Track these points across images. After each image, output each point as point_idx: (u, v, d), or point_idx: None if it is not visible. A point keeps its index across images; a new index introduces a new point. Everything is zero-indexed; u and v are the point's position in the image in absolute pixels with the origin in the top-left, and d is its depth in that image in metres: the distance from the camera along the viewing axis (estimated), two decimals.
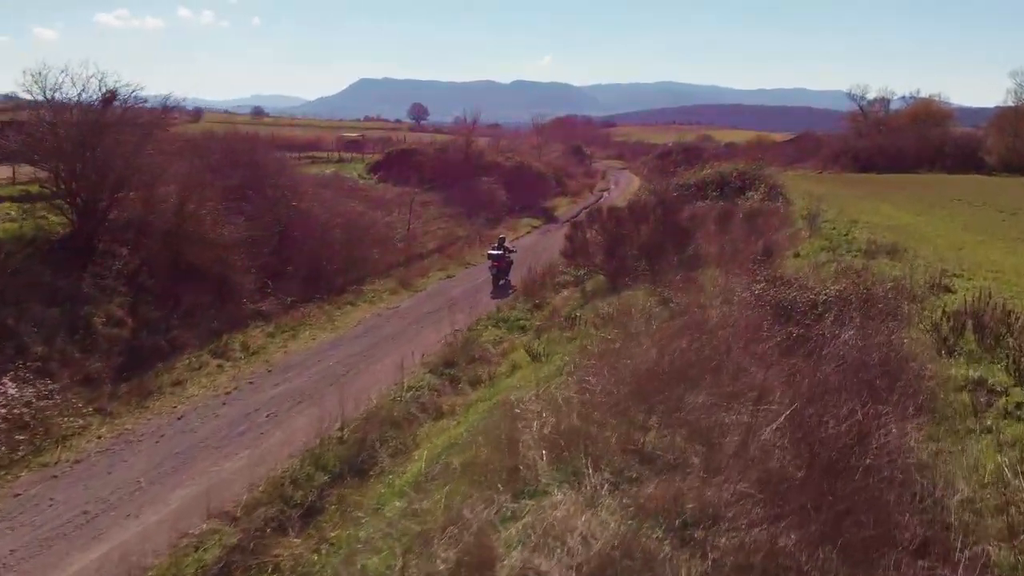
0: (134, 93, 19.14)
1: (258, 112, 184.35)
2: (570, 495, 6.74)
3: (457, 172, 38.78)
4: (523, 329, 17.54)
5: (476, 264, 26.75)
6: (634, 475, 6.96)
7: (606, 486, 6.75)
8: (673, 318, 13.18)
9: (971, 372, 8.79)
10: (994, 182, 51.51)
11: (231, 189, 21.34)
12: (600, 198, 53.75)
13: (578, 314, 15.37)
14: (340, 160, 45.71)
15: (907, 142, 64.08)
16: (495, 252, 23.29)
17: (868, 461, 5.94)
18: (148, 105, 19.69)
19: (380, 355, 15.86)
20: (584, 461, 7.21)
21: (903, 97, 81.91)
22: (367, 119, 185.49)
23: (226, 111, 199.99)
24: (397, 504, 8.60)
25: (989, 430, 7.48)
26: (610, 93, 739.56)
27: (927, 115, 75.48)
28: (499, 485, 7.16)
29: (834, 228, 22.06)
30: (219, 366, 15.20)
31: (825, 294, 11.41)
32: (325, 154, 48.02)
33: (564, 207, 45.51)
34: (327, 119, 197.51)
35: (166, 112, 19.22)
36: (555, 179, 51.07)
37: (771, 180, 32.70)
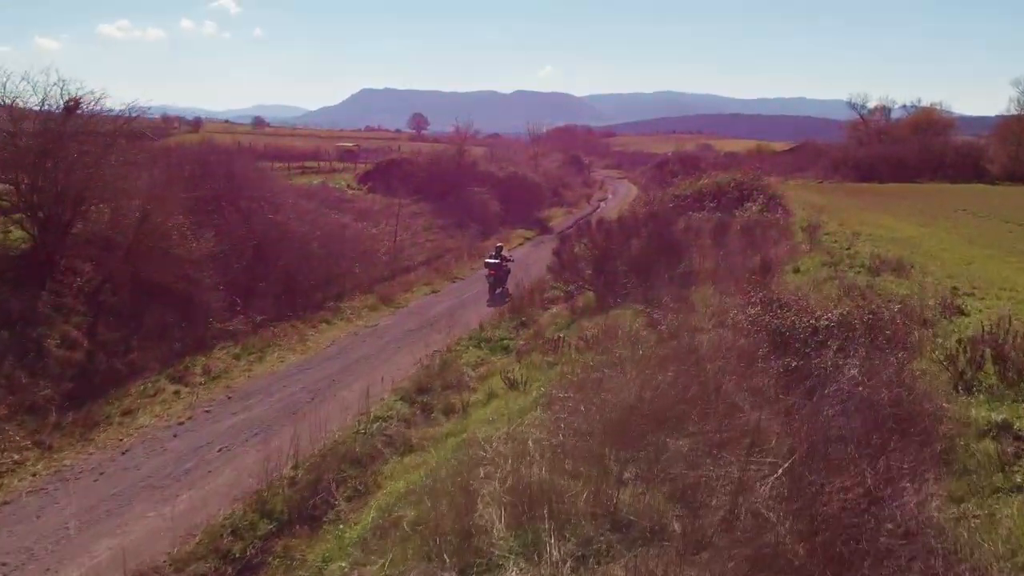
0: (99, 101, 18.17)
1: (259, 122, 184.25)
2: (527, 572, 5.68)
3: (449, 182, 37.80)
4: (506, 350, 16.46)
5: (464, 278, 25.70)
6: (603, 546, 5.88)
7: (569, 561, 5.68)
8: (661, 342, 12.11)
9: (994, 414, 7.69)
10: (998, 192, 50.49)
11: (203, 201, 20.32)
12: (597, 208, 52.78)
13: (562, 335, 14.29)
14: (332, 170, 44.80)
15: (908, 151, 63.12)
16: (492, 260, 23.19)
17: (882, 541, 4.88)
18: (120, 113, 18.68)
19: (350, 379, 14.78)
20: (547, 527, 6.13)
21: (904, 106, 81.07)
22: (368, 129, 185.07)
23: (227, 121, 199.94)
24: (340, 566, 7.52)
25: (1020, 488, 6.40)
26: (610, 103, 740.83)
27: (928, 124, 74.57)
28: (446, 556, 6.09)
29: (835, 241, 21.00)
30: (176, 392, 14.11)
31: (826, 319, 10.33)
32: (316, 164, 47.11)
33: (559, 218, 44.51)
34: (328, 129, 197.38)
35: (130, 120, 18.19)
36: (551, 189, 50.13)
37: (770, 190, 31.68)
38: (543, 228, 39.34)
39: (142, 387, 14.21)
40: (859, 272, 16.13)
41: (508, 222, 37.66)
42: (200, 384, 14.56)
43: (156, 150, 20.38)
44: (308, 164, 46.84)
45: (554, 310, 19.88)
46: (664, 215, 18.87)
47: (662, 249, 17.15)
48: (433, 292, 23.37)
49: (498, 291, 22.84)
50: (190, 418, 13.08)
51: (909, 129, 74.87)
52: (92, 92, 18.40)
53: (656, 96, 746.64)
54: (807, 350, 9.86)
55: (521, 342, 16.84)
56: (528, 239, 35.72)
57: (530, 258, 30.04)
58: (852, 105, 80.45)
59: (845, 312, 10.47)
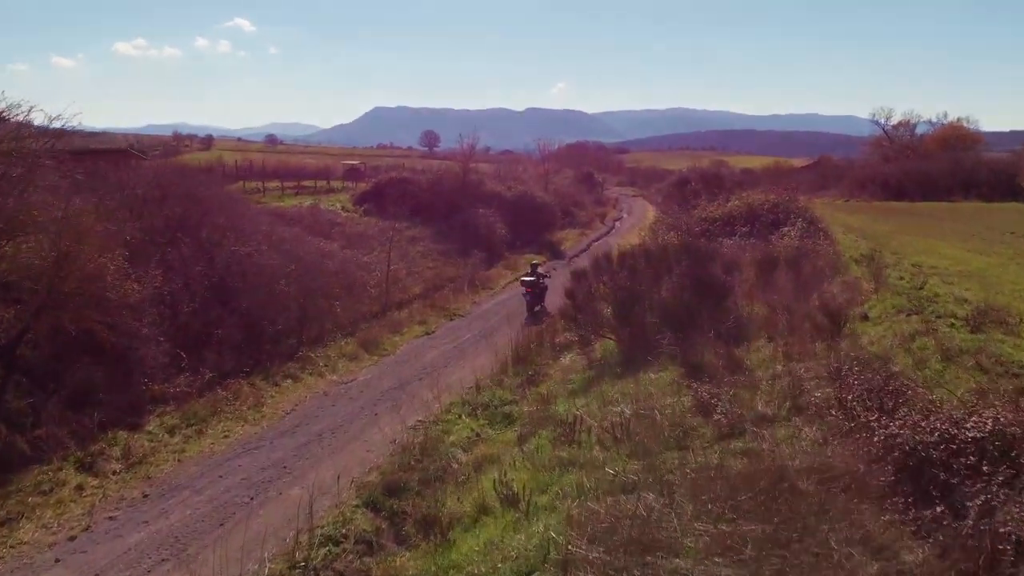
0: (22, 116, 15.07)
1: (271, 140, 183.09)
2: None
3: (452, 203, 34.59)
4: (508, 419, 13.03)
5: (464, 314, 22.33)
6: None
7: None
8: (720, 440, 8.70)
9: None
10: None
11: (156, 232, 17.17)
12: (612, 228, 49.41)
13: (578, 412, 10.88)
14: (331, 190, 41.74)
15: (938, 168, 59.34)
16: (528, 279, 22.63)
17: None
18: (45, 127, 15.55)
19: (305, 466, 11.41)
20: None
21: (929, 121, 77.33)
22: (380, 147, 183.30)
23: (239, 139, 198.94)
24: None
25: None
26: (623, 120, 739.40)
27: (956, 139, 70.83)
28: None
29: (901, 278, 17.50)
30: (80, 487, 10.78)
31: (973, 426, 6.89)
32: (314, 183, 44.11)
33: (572, 240, 41.16)
34: (341, 147, 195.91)
35: (59, 136, 15.07)
36: (563, 209, 46.84)
37: (807, 213, 28.23)
38: (554, 252, 35.99)
39: (38, 478, 10.92)
40: (954, 325, 12.66)
41: (516, 246, 34.35)
42: (114, 474, 11.22)
43: (89, 171, 17.11)
44: (305, 183, 43.86)
45: (568, 359, 16.47)
46: (701, 248, 15.37)
47: (700, 290, 13.74)
48: (427, 334, 20.00)
49: (536, 309, 22.09)
50: (87, 528, 9.73)
51: (936, 145, 71.14)
52: (17, 104, 15.37)
53: (668, 113, 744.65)
54: (954, 481, 6.43)
55: (528, 406, 13.50)
56: (536, 264, 32.32)
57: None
58: (875, 120, 76.81)
59: (997, 417, 6.99)
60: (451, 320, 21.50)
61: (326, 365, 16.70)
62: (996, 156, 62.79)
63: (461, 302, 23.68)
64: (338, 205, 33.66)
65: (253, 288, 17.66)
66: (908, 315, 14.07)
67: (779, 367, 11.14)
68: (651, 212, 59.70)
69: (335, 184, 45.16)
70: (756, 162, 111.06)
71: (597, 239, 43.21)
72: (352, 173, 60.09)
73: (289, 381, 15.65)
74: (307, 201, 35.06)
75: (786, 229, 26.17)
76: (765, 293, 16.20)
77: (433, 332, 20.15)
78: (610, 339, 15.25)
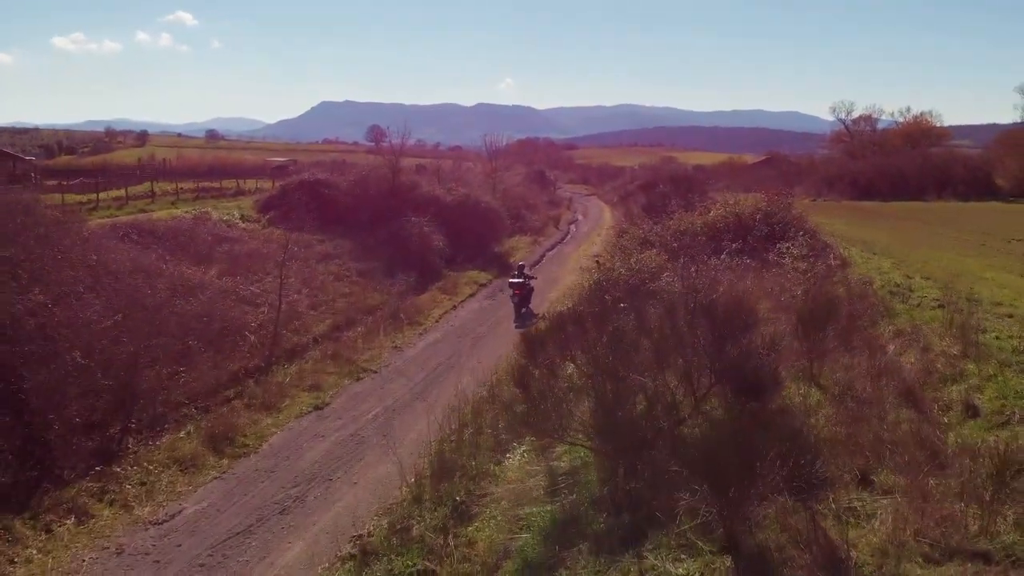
0: None
1: (212, 135, 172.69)
2: None
3: (379, 210, 28.55)
4: None
5: (376, 370, 16.34)
6: None
7: None
8: None
9: None
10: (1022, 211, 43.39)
11: None
12: (567, 234, 43.95)
13: None
14: (240, 192, 35.23)
15: (909, 165, 55.52)
16: (516, 280, 21.77)
17: None
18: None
19: None
20: None
21: (891, 115, 74.03)
22: (326, 142, 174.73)
23: (179, 134, 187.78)
24: None
25: None
26: (572, 116, 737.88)
27: (922, 134, 67.62)
28: None
29: (997, 337, 12.17)
30: None
31: None
32: (220, 184, 37.47)
33: (523, 250, 35.48)
34: (285, 142, 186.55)
35: None
36: (513, 213, 41.15)
37: (804, 223, 23.12)
38: (503, 266, 30.25)
39: None
40: None
41: (457, 261, 28.49)
42: None
43: None
44: (207, 185, 37.19)
45: (517, 464, 10.79)
46: (725, 307, 9.57)
47: (735, 386, 8.21)
48: (317, 407, 13.95)
49: (524, 311, 21.17)
50: None
51: (901, 140, 67.80)
52: None
53: (616, 109, 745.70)
54: None
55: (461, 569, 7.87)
56: (482, 285, 26.56)
57: (481, 325, 20.96)
58: (837, 116, 73.23)
59: None
60: (358, 380, 15.51)
61: (143, 483, 10.63)
62: (969, 153, 59.48)
63: (377, 348, 17.74)
64: (237, 213, 27.28)
65: (44, 357, 11.49)
66: None
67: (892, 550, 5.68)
68: (607, 214, 54.54)
69: (249, 185, 38.62)
70: (705, 158, 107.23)
71: (552, 247, 37.70)
72: (280, 172, 53.01)
73: (72, 521, 9.58)
74: (208, 207, 28.65)
75: (785, 245, 20.99)
76: (818, 373, 10.74)
77: (327, 404, 14.10)
78: (584, 447, 9.62)
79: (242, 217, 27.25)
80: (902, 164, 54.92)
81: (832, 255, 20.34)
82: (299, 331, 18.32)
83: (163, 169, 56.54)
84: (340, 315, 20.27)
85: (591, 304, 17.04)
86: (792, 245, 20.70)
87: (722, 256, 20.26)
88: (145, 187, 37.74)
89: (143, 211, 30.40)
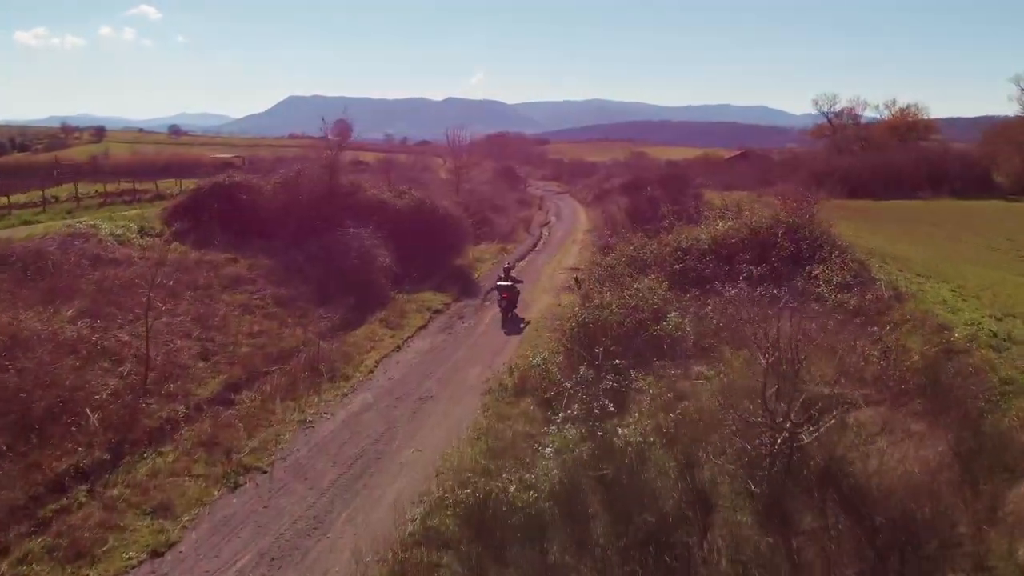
0: None
1: (175, 131, 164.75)
2: None
3: (312, 219, 23.41)
4: None
5: (269, 465, 11.30)
6: None
7: None
8: None
9: None
10: None
11: None
12: (540, 239, 39.07)
13: None
14: (159, 196, 29.81)
15: (903, 161, 51.72)
16: (504, 284, 20.68)
17: None
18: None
19: None
20: None
21: (875, 108, 70.26)
22: (292, 136, 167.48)
23: (141, 130, 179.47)
24: None
25: None
26: (542, 110, 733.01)
27: (909, 128, 63.90)
28: None
29: None
30: None
31: None
32: (132, 186, 32.01)
33: (489, 260, 30.55)
34: (250, 137, 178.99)
35: None
36: (478, 216, 36.21)
37: (832, 237, 18.47)
38: (465, 284, 25.30)
39: None
40: None
41: (408, 280, 23.45)
42: None
43: None
44: (131, 188, 31.78)
45: None
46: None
47: None
48: (154, 555, 8.84)
49: (510, 316, 20.37)
50: None
51: (889, 133, 64.02)
52: None
53: (587, 104, 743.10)
54: None
55: None
56: (438, 312, 21.55)
57: (434, 373, 15.89)
58: (818, 106, 69.31)
59: None
60: (234, 489, 10.39)
61: None
62: (965, 148, 55.78)
63: (277, 424, 12.67)
64: (135, 226, 21.90)
65: None
66: None
67: None
68: (583, 215, 49.83)
69: (166, 189, 33.17)
70: (677, 153, 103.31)
71: (523, 256, 32.78)
72: (225, 169, 47.31)
73: None
74: (101, 218, 23.30)
75: (817, 268, 16.33)
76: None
77: (173, 545, 9.02)
78: None
79: (141, 231, 21.89)
80: (896, 160, 50.99)
81: (880, 283, 15.70)
82: (174, 397, 13.18)
83: (90, 168, 50.63)
84: (241, 366, 15.15)
85: (573, 364, 12.30)
86: (827, 268, 16.05)
87: (739, 283, 15.60)
88: (68, 189, 32.51)
89: (27, 222, 25.01)
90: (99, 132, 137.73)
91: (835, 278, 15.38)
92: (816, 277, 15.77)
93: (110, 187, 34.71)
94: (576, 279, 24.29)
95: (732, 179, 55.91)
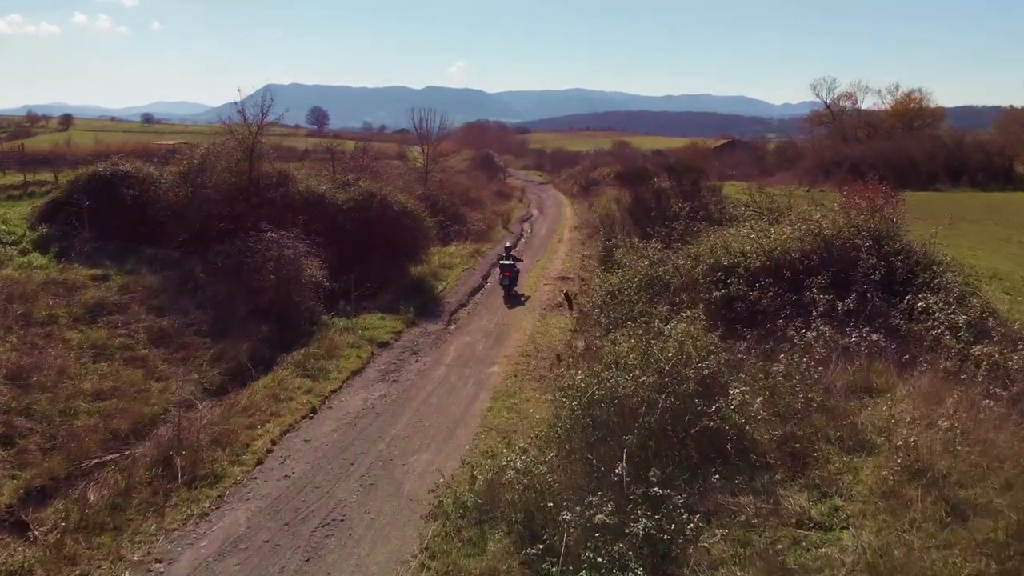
0: None
1: (148, 119, 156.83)
2: None
3: (222, 219, 17.79)
4: None
5: None
6: None
7: None
8: None
9: None
10: None
11: None
12: (520, 237, 33.54)
13: None
14: (28, 191, 23.87)
15: (918, 149, 46.88)
16: (506, 262, 20.62)
17: None
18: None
19: None
20: None
21: (877, 93, 65.44)
22: (267, 124, 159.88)
23: (113, 118, 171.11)
24: None
25: None
26: (523, 99, 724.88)
27: (915, 114, 59.10)
28: None
29: None
30: None
31: None
32: (24, 178, 26.15)
33: (459, 266, 25.03)
34: (227, 124, 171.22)
35: None
36: (448, 212, 30.71)
37: (929, 252, 13.16)
38: (423, 302, 19.81)
39: None
40: None
41: (347, 299, 17.94)
42: None
43: None
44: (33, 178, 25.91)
45: None
46: None
47: None
48: None
49: (512, 292, 20.26)
50: None
51: (894, 119, 59.21)
52: None
53: (567, 93, 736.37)
54: None
55: None
56: (384, 345, 16.03)
57: (364, 459, 10.16)
58: (818, 92, 64.37)
59: None
60: None
61: None
62: (986, 137, 51.11)
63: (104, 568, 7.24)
64: None
65: None
66: None
67: None
68: (568, 208, 44.41)
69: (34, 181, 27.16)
70: (660, 143, 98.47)
71: (501, 260, 27.25)
72: (169, 156, 40.93)
73: None
74: None
75: (926, 298, 11.01)
76: None
77: None
78: None
79: (8, 232, 16.19)
80: (910, 148, 46.12)
81: (1015, 323, 10.45)
82: None
83: (50, 158, 44.21)
84: (63, 455, 9.63)
85: (573, 473, 6.99)
86: (939, 300, 10.74)
87: (813, 321, 10.30)
88: None
89: None
90: (66, 120, 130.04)
91: (961, 317, 10.09)
92: (927, 312, 10.46)
93: (10, 179, 28.76)
94: (566, 294, 19.05)
95: (724, 169, 50.96)
